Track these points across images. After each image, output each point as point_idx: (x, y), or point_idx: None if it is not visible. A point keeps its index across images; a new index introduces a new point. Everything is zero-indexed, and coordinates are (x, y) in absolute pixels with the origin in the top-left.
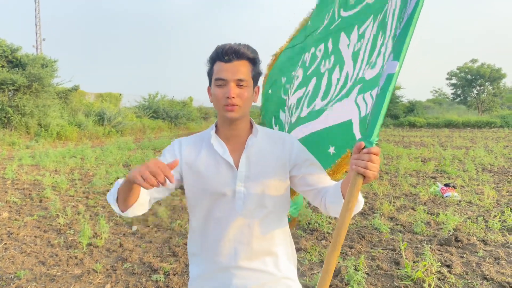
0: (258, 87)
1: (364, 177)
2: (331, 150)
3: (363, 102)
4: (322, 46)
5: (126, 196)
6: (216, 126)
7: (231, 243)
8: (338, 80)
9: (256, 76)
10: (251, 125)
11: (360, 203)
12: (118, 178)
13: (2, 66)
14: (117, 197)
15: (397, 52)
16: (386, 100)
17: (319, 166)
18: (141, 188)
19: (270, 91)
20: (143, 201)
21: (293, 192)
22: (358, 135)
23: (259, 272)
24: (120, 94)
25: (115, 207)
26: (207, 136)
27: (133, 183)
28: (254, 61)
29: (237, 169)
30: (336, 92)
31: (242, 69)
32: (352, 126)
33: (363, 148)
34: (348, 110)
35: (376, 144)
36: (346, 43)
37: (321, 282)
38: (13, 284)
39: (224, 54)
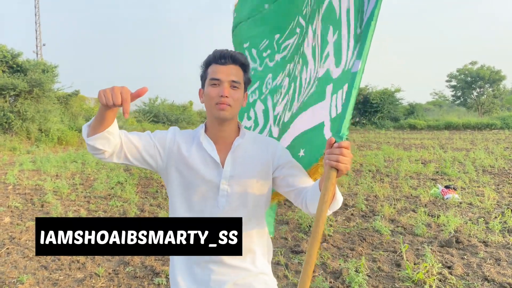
0: (246, 93)
1: (338, 170)
2: (301, 152)
3: (334, 102)
4: (297, 57)
5: (96, 121)
6: (205, 126)
7: None
8: (306, 79)
9: (247, 82)
10: (238, 128)
11: (338, 200)
12: (119, 183)
13: (3, 72)
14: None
15: (360, 51)
16: (353, 96)
17: (300, 168)
18: (114, 125)
19: (245, 45)
20: (110, 133)
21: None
22: (328, 136)
23: (237, 268)
24: None
25: (84, 130)
26: (197, 134)
27: (100, 103)
28: (246, 68)
29: (223, 167)
30: (305, 92)
31: (236, 72)
32: (323, 128)
33: (334, 143)
34: (322, 113)
35: (346, 138)
36: (307, 42)
37: (304, 273)
38: None
39: (221, 57)
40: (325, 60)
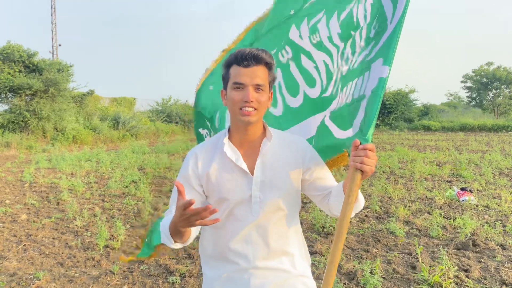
0: (272, 92)
1: (362, 172)
2: (312, 143)
3: (342, 96)
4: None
5: (180, 235)
6: (228, 130)
7: (249, 245)
8: (316, 67)
9: (272, 81)
10: (264, 129)
11: (360, 202)
12: (133, 182)
13: (19, 71)
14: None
15: (387, 57)
16: (378, 101)
17: (327, 170)
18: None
19: (211, 87)
20: (195, 229)
21: None
22: (331, 127)
23: (276, 270)
24: (134, 99)
25: (176, 246)
26: (220, 143)
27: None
28: (270, 66)
29: (252, 174)
30: (325, 79)
31: (260, 74)
32: (325, 120)
33: (359, 145)
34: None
35: (371, 141)
36: (297, 34)
37: (327, 273)
38: (33, 284)
39: (243, 59)
40: (346, 61)
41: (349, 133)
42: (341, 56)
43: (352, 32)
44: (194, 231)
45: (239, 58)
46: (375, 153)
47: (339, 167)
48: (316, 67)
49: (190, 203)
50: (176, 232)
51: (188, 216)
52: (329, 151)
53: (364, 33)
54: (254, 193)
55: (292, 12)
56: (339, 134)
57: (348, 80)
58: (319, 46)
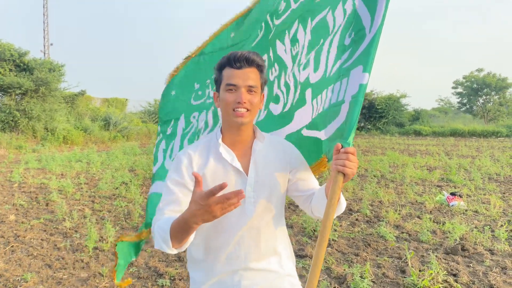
0: (263, 94)
1: (344, 175)
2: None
3: (316, 106)
4: (265, 57)
5: (183, 237)
6: (221, 131)
7: (241, 246)
8: (288, 84)
9: (263, 83)
10: (254, 131)
11: (342, 204)
12: (123, 183)
13: (10, 70)
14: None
15: (366, 64)
16: (359, 107)
17: (309, 172)
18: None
19: (173, 93)
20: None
21: None
22: (313, 134)
23: (265, 271)
24: (126, 99)
25: (172, 251)
26: (213, 144)
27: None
28: (262, 68)
29: (246, 174)
30: (291, 96)
31: (252, 76)
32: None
33: (341, 148)
34: (305, 117)
35: (352, 145)
36: (282, 48)
37: (311, 274)
38: (20, 286)
39: (236, 61)
40: (305, 67)
41: (322, 134)
42: (298, 64)
43: (322, 40)
44: (192, 235)
45: (232, 60)
46: (356, 157)
47: (321, 173)
48: (288, 84)
49: (221, 187)
50: (183, 232)
51: (211, 205)
52: (313, 156)
53: (336, 40)
54: (248, 193)
55: (272, 26)
56: (319, 135)
57: (323, 88)
58: (294, 58)
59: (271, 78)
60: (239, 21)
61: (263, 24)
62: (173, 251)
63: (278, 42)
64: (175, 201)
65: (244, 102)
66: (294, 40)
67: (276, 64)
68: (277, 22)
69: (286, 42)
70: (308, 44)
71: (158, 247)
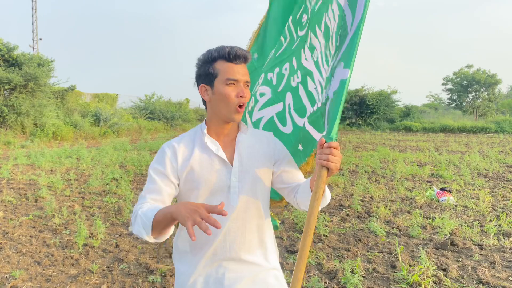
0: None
1: (328, 169)
2: (300, 147)
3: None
4: (287, 65)
5: (164, 228)
6: (206, 124)
7: (226, 236)
8: (316, 88)
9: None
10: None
11: (327, 198)
12: (114, 179)
13: None
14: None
15: (348, 61)
16: (342, 102)
17: (294, 164)
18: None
19: (255, 56)
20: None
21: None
22: (311, 131)
23: (250, 264)
24: (117, 95)
25: (149, 238)
26: (198, 135)
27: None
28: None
29: (231, 164)
30: (320, 98)
31: (246, 71)
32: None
33: (324, 143)
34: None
35: (336, 139)
36: (304, 57)
37: (297, 267)
38: (9, 283)
39: (236, 56)
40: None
41: (314, 132)
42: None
43: (328, 42)
44: (172, 228)
45: (231, 55)
46: (339, 151)
47: (311, 169)
48: (316, 88)
49: (220, 212)
50: (163, 223)
51: (200, 211)
52: (308, 152)
53: (333, 41)
54: (233, 183)
55: (296, 37)
56: (318, 136)
57: (324, 88)
58: (317, 63)
59: (293, 84)
60: (258, 39)
61: (286, 31)
62: (150, 239)
63: (302, 51)
64: (156, 190)
65: (246, 97)
66: (312, 47)
67: (299, 72)
68: (300, 33)
69: (306, 51)
70: (324, 48)
71: (136, 232)
